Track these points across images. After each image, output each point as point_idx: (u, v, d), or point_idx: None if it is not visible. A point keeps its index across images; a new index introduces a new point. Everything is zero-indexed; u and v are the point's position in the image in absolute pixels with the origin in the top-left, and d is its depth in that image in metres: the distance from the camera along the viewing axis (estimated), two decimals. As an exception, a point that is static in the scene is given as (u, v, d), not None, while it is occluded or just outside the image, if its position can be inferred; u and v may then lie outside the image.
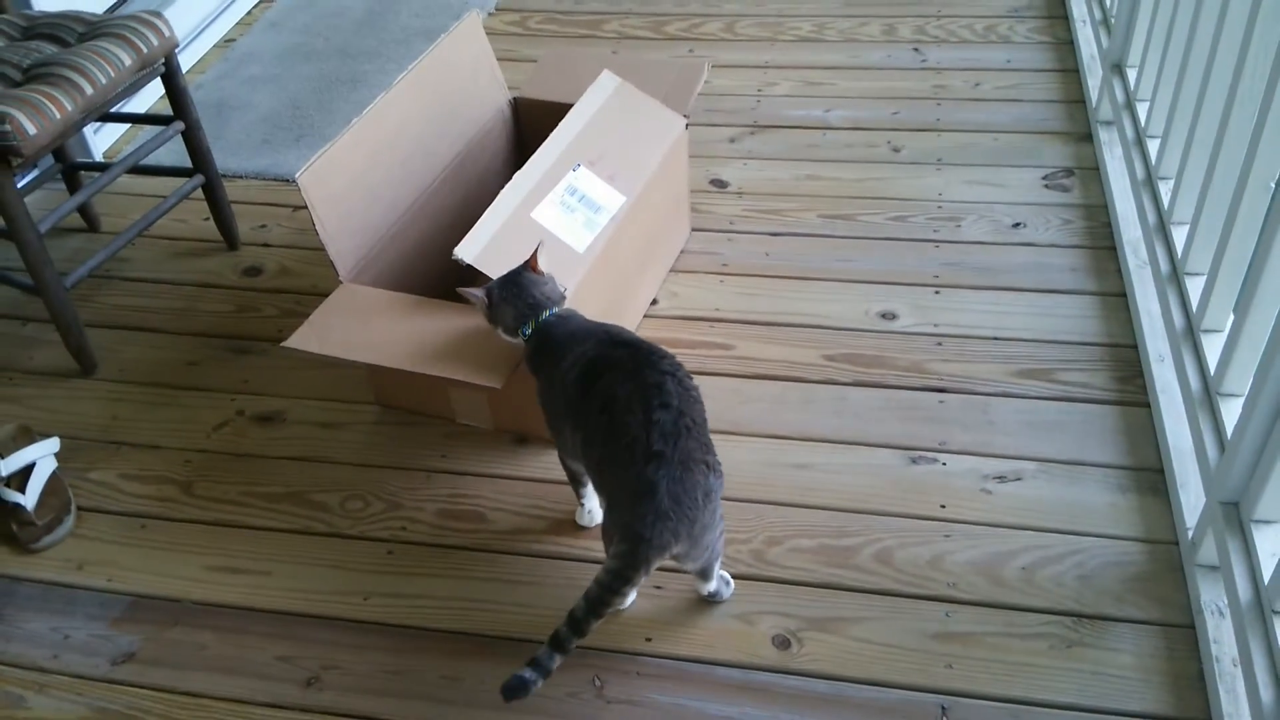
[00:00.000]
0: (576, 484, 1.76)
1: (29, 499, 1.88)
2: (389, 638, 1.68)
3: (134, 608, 1.76)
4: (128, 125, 2.90)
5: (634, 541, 1.39)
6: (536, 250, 1.67)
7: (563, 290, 1.68)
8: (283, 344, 1.81)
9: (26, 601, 1.79)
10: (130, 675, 1.66)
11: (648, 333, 2.15)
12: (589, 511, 1.79)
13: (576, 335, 1.61)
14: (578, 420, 1.56)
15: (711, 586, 1.64)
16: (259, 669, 1.65)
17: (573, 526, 1.81)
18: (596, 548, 1.77)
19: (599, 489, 1.55)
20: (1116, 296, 2.14)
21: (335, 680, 1.63)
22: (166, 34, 2.12)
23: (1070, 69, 2.84)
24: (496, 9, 3.36)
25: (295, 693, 1.62)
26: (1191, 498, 1.71)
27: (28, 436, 1.98)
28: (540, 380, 1.65)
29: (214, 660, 1.67)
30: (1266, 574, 1.44)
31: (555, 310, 1.65)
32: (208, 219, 2.48)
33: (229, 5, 3.38)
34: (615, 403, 1.49)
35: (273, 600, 1.75)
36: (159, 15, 2.13)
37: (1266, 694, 1.36)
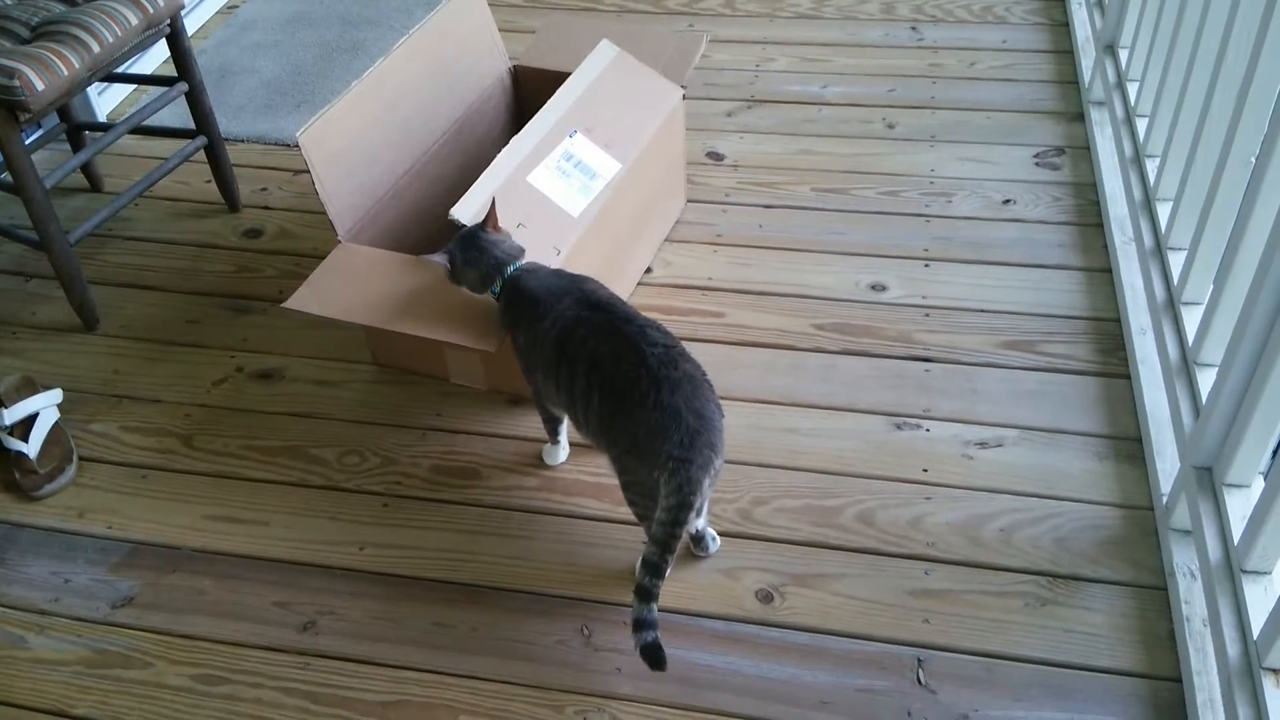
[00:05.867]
0: (553, 424, 1.84)
1: (31, 448, 1.92)
2: (383, 586, 1.72)
3: (134, 554, 1.80)
4: (132, 88, 2.93)
5: (681, 468, 1.43)
6: (493, 208, 1.71)
7: (520, 246, 1.73)
8: (283, 305, 1.85)
9: (28, 547, 1.83)
10: (129, 618, 1.71)
11: (641, 300, 2.19)
12: (562, 449, 1.87)
13: (553, 292, 1.65)
14: (559, 381, 1.61)
15: (702, 522, 1.69)
16: (256, 614, 1.70)
17: (563, 482, 1.85)
18: (587, 504, 1.81)
19: (610, 447, 1.57)
20: (1102, 272, 2.19)
21: (330, 625, 1.67)
22: (172, -5, 2.14)
23: (1065, 50, 2.87)
24: (498, -19, 3.38)
25: (291, 637, 1.66)
26: (1167, 465, 1.75)
27: (31, 387, 2.02)
28: (517, 336, 1.70)
29: (212, 605, 1.72)
30: (1236, 535, 1.48)
31: (518, 265, 1.70)
32: (209, 181, 2.51)
33: (232, -28, 3.39)
34: (602, 363, 1.55)
35: (270, 549, 1.79)
36: (165, -24, 2.16)
37: (1233, 650, 1.41)
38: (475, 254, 1.70)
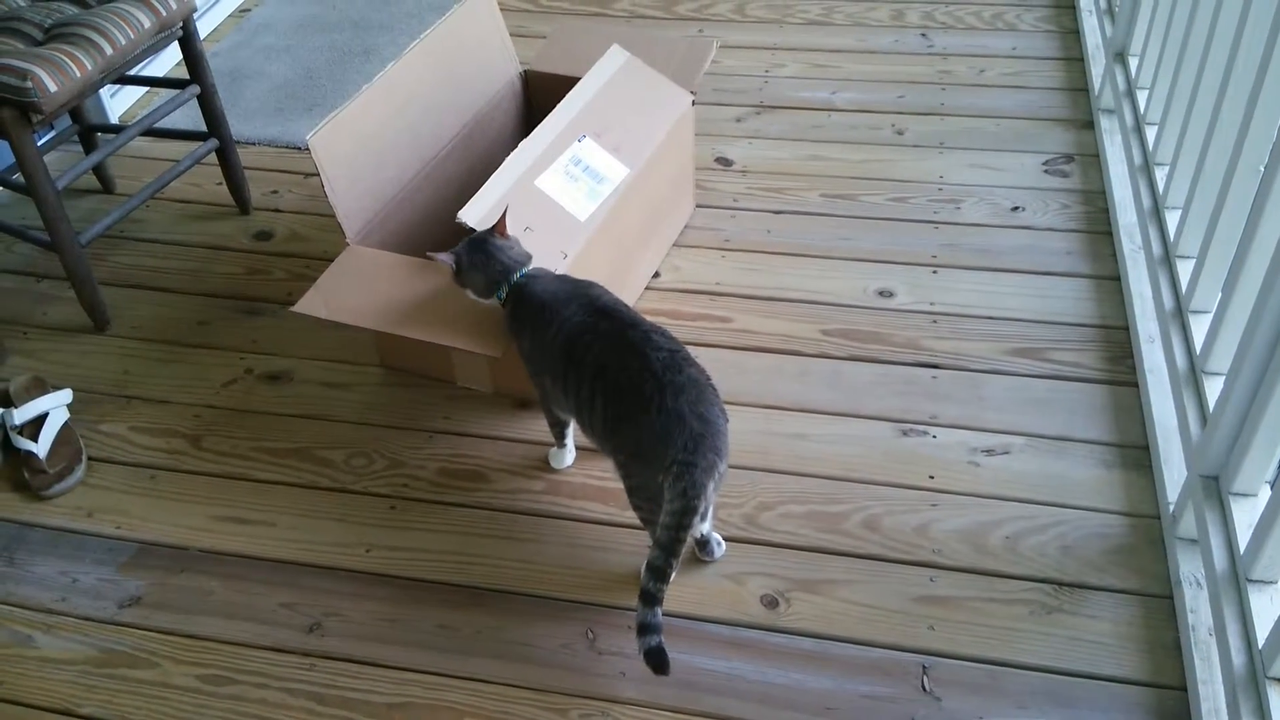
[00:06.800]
0: (560, 428, 1.84)
1: (41, 447, 1.93)
2: (389, 588, 1.73)
3: (141, 554, 1.81)
4: (144, 91, 2.94)
5: (686, 473, 1.43)
6: (504, 215, 1.72)
7: (527, 253, 1.74)
8: (292, 309, 1.86)
9: (36, 546, 1.84)
10: (136, 618, 1.72)
11: (649, 304, 2.19)
12: (568, 452, 1.88)
13: (559, 298, 1.66)
14: (567, 386, 1.62)
15: (707, 526, 1.69)
16: (263, 615, 1.70)
17: (569, 486, 1.86)
18: (592, 508, 1.82)
19: (616, 452, 1.58)
20: (1110, 280, 2.18)
21: (336, 627, 1.68)
22: (185, -2, 2.16)
23: (1075, 57, 2.87)
24: (509, -14, 3.39)
25: (297, 638, 1.67)
26: (1174, 474, 1.75)
27: (41, 387, 2.03)
28: (523, 341, 1.71)
29: (219, 606, 1.72)
30: (1242, 544, 1.48)
31: (525, 271, 1.71)
32: (220, 184, 2.52)
33: (245, -24, 3.42)
34: (607, 368, 1.56)
35: (277, 550, 1.80)
36: (177, -20, 2.18)
37: (1238, 659, 1.40)
38: (482, 259, 1.71)
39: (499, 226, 1.72)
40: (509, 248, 1.72)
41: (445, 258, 1.72)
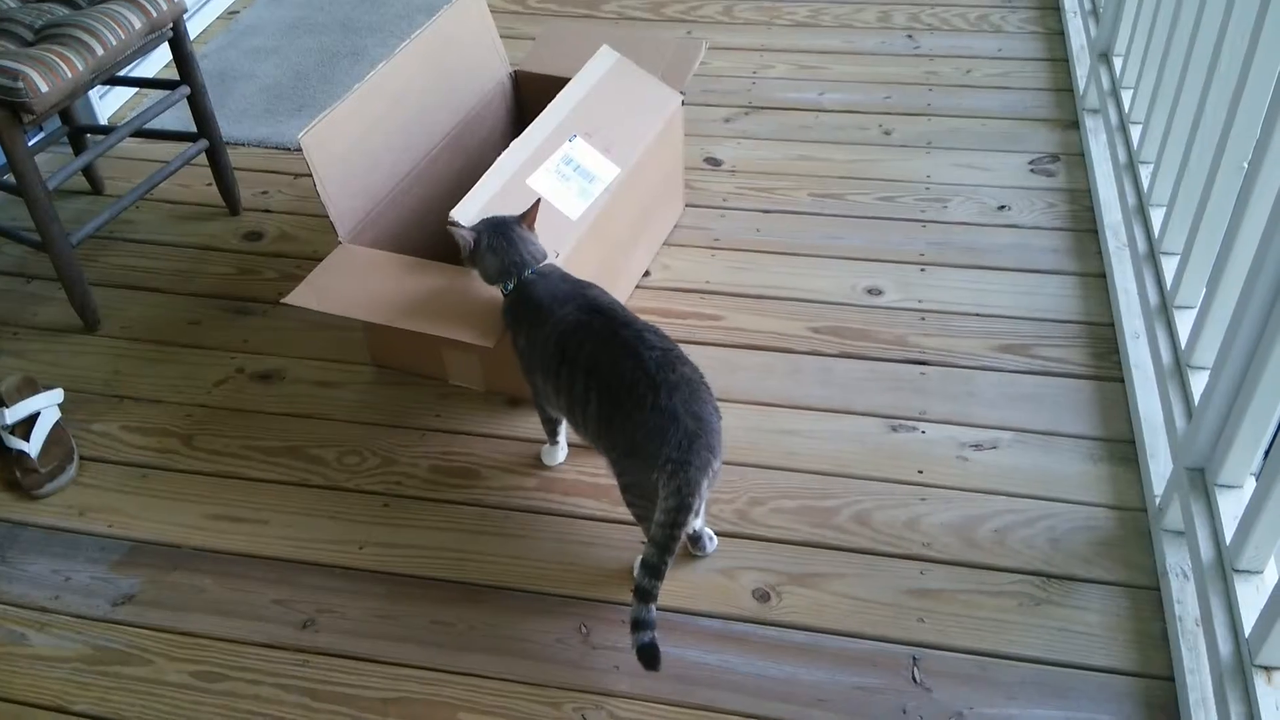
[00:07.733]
0: (552, 425, 1.85)
1: (33, 447, 1.93)
2: (383, 585, 1.73)
3: (134, 552, 1.81)
4: (133, 92, 2.94)
5: (680, 470, 1.44)
6: (537, 207, 1.72)
7: (545, 250, 1.74)
8: (282, 300, 1.87)
9: (29, 545, 1.84)
10: (130, 616, 1.72)
11: (639, 303, 2.20)
12: (560, 449, 1.89)
13: (558, 297, 1.67)
14: (560, 384, 1.63)
15: (700, 522, 1.70)
16: (256, 612, 1.71)
17: (562, 483, 1.87)
18: (585, 504, 1.83)
19: (609, 450, 1.59)
20: (1096, 277, 2.21)
21: (330, 623, 1.68)
22: (175, -1, 2.16)
23: (1059, 58, 2.90)
24: (498, -12, 3.40)
25: (291, 634, 1.67)
26: (1160, 467, 1.77)
27: (32, 387, 2.03)
28: (518, 335, 1.72)
29: (212, 603, 1.73)
30: (1228, 535, 1.50)
31: (535, 269, 1.72)
32: (210, 185, 2.53)
33: (233, -22, 3.42)
34: (601, 366, 1.56)
35: (270, 548, 1.80)
36: (168, -20, 2.18)
37: (1225, 648, 1.42)
38: (503, 244, 1.71)
39: (529, 218, 1.73)
40: (531, 241, 1.73)
41: (466, 233, 1.72)
